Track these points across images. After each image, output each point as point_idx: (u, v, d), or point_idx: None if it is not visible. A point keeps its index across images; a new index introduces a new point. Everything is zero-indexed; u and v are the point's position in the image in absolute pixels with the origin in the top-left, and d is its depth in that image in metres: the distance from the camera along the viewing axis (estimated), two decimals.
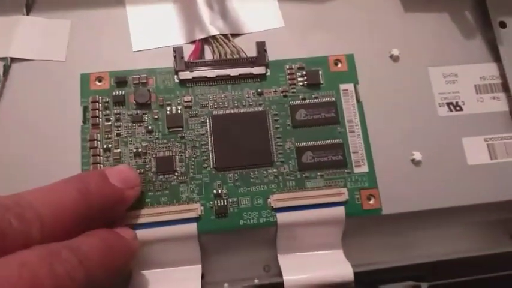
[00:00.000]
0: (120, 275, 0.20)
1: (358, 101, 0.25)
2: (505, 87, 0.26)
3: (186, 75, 0.24)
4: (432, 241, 0.24)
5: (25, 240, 0.16)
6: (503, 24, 0.27)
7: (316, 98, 0.25)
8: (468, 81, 0.26)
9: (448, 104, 0.26)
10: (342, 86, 0.25)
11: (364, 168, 0.23)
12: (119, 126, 0.23)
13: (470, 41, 0.27)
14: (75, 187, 0.18)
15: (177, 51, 0.25)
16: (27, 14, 0.26)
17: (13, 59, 0.25)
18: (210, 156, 0.23)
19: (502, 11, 0.27)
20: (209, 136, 0.24)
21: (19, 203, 0.16)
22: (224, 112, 0.24)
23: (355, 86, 0.25)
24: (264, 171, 0.23)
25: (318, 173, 0.23)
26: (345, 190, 0.23)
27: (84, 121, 0.23)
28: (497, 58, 0.27)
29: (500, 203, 0.24)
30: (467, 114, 0.25)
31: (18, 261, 0.14)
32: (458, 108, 0.26)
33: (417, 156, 0.24)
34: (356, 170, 0.23)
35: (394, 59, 0.26)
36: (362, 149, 0.24)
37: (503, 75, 0.26)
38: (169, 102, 0.24)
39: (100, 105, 0.24)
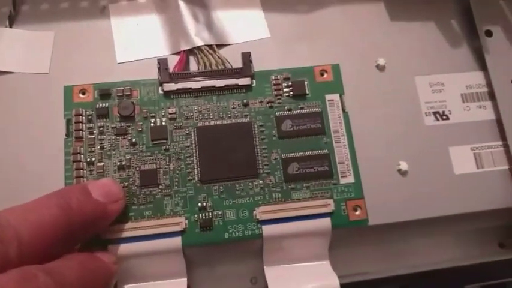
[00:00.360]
0: None
1: (343, 111, 0.24)
2: (491, 95, 0.26)
3: (171, 86, 0.24)
4: (420, 251, 0.24)
5: (1, 261, 0.15)
6: (489, 33, 0.27)
7: (302, 108, 0.24)
8: (455, 90, 0.26)
9: (435, 113, 0.25)
10: (328, 97, 0.25)
11: (350, 179, 0.23)
12: (103, 139, 0.23)
13: (457, 50, 0.27)
14: (56, 203, 0.18)
15: (162, 62, 0.24)
16: (10, 26, 0.26)
17: None
18: (195, 168, 0.23)
19: (488, 19, 0.27)
20: (194, 148, 0.23)
21: None
22: (209, 123, 0.24)
23: (340, 96, 0.25)
24: (250, 183, 0.23)
25: (304, 184, 0.23)
26: (331, 201, 0.23)
27: (68, 134, 0.23)
28: (483, 67, 0.27)
29: (488, 211, 0.24)
30: (453, 123, 0.25)
31: None
32: (444, 117, 0.25)
33: (403, 166, 0.24)
34: (342, 181, 0.23)
35: (380, 68, 0.26)
36: (348, 159, 0.24)
37: (489, 84, 0.26)
38: (153, 114, 0.24)
39: (83, 118, 0.23)
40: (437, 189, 0.24)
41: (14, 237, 0.16)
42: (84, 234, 0.19)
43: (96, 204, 0.20)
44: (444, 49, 0.27)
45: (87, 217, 0.19)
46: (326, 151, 0.24)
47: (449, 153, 0.25)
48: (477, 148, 0.25)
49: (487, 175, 0.24)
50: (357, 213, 0.23)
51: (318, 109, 0.24)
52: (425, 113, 0.25)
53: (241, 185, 0.23)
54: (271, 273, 0.22)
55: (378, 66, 0.26)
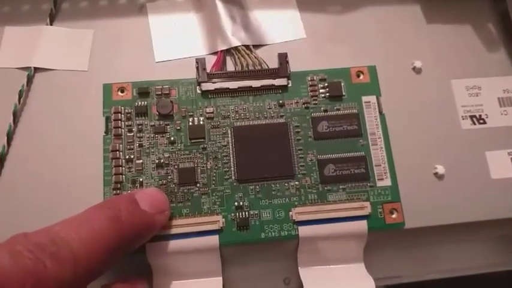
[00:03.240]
0: None
1: (380, 113, 0.24)
2: None
3: (208, 86, 0.24)
4: (456, 255, 0.24)
5: (57, 284, 0.15)
6: None
7: (338, 109, 0.24)
8: (492, 94, 0.26)
9: (471, 117, 0.25)
10: (365, 98, 0.25)
11: (387, 182, 0.23)
12: (142, 137, 0.23)
13: (494, 53, 0.27)
14: (107, 216, 0.18)
15: (200, 62, 0.25)
16: (51, 24, 0.26)
17: (36, 69, 0.25)
18: (232, 167, 0.23)
19: None
20: (230, 147, 0.23)
21: (54, 240, 0.16)
22: (245, 123, 0.24)
23: (377, 98, 0.25)
24: (286, 184, 0.23)
25: (340, 186, 0.23)
26: (367, 204, 0.22)
27: (107, 131, 0.23)
28: None
29: None
30: (490, 127, 0.25)
31: None
32: (481, 121, 0.25)
33: (440, 169, 0.24)
34: (379, 184, 0.23)
35: (417, 71, 0.26)
36: (385, 162, 0.23)
37: None
38: (191, 113, 0.24)
39: (122, 115, 0.24)
40: (474, 194, 0.24)
41: (70, 257, 0.16)
42: (131, 246, 0.19)
43: (144, 216, 0.20)
44: (481, 52, 0.27)
45: (136, 229, 0.19)
46: (363, 153, 0.24)
47: (486, 158, 0.24)
48: None
49: None
50: (394, 216, 0.23)
51: (355, 111, 0.24)
52: (462, 116, 0.25)
53: (277, 185, 0.23)
54: (306, 274, 0.22)
55: (414, 69, 0.26)
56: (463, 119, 0.25)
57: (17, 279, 0.15)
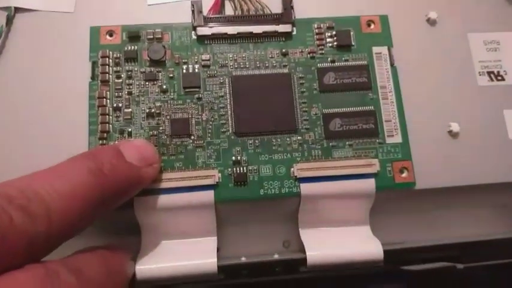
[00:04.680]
0: None
1: (392, 65, 0.22)
2: None
3: (205, 31, 0.22)
4: (468, 220, 0.22)
5: (28, 242, 0.13)
6: None
7: (346, 60, 0.22)
8: (511, 49, 0.24)
9: (489, 73, 0.23)
10: (375, 49, 0.23)
11: (398, 139, 0.21)
12: (131, 84, 0.21)
13: None
14: (87, 168, 0.16)
15: (196, 5, 0.22)
16: None
17: (17, 9, 0.23)
18: (229, 120, 0.21)
19: None
20: (228, 98, 0.22)
21: (25, 191, 0.14)
22: (245, 73, 0.22)
23: (389, 49, 0.23)
24: (288, 139, 0.21)
25: (347, 142, 0.21)
26: (376, 161, 0.21)
27: (93, 77, 0.21)
28: None
29: None
30: (509, 84, 0.23)
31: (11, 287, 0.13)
32: (499, 78, 0.23)
33: (454, 127, 0.22)
34: (388, 140, 0.21)
35: (431, 22, 0.24)
36: (395, 117, 0.22)
37: None
38: (185, 60, 0.22)
39: (110, 60, 0.22)
40: (490, 154, 0.22)
41: (43, 212, 0.14)
42: (115, 202, 0.17)
43: (130, 169, 0.18)
44: (501, 5, 0.25)
45: (121, 183, 0.17)
46: (372, 108, 0.22)
47: (504, 116, 0.23)
48: None
49: None
50: (404, 175, 0.21)
51: (365, 62, 0.22)
52: (479, 72, 0.23)
53: (278, 140, 0.21)
54: (307, 236, 0.21)
55: (428, 20, 0.24)
56: (480, 75, 0.23)
57: None
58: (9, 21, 0.23)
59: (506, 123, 0.23)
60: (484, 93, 0.23)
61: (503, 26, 0.24)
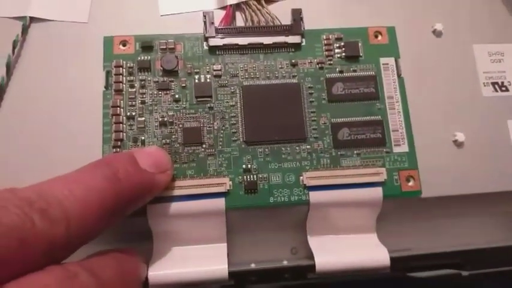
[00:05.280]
0: None
1: (399, 76, 0.23)
2: None
3: (216, 41, 0.23)
4: (473, 228, 0.23)
5: (48, 246, 0.14)
6: None
7: (354, 71, 0.23)
8: None
9: (493, 83, 0.24)
10: (383, 60, 0.23)
11: (404, 148, 0.22)
12: (144, 94, 0.22)
13: None
14: (103, 174, 0.16)
15: (207, 16, 0.23)
16: None
17: (32, 19, 0.23)
18: (240, 128, 0.22)
19: None
20: (239, 108, 0.22)
21: (43, 196, 0.14)
22: (255, 83, 0.23)
23: (396, 60, 0.23)
24: (297, 147, 0.22)
25: (355, 151, 0.22)
26: (383, 170, 0.21)
27: (107, 86, 0.22)
28: None
29: None
30: None
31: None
32: (504, 88, 0.24)
33: (460, 137, 0.22)
34: (395, 150, 0.22)
35: (437, 34, 0.24)
36: (402, 127, 0.22)
37: None
38: (197, 70, 0.22)
39: (124, 70, 0.22)
40: (494, 163, 0.22)
41: (62, 216, 0.14)
42: (129, 208, 0.18)
43: (144, 175, 0.18)
44: (505, 17, 0.25)
45: (135, 189, 0.17)
46: (379, 117, 0.22)
47: (508, 126, 0.23)
48: None
49: None
50: (410, 184, 0.21)
51: (372, 73, 0.23)
52: (484, 83, 0.24)
53: (288, 148, 0.22)
54: (316, 243, 0.21)
55: (434, 32, 0.24)
56: (485, 85, 0.24)
57: (2, 237, 0.13)
58: (25, 30, 0.23)
59: (510, 133, 0.23)
60: (489, 103, 0.24)
61: (507, 37, 0.25)
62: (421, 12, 0.25)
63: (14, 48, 0.22)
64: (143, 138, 0.21)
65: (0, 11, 0.23)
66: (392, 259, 0.20)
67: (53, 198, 0.15)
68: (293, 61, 0.23)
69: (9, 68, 0.22)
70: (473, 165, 0.22)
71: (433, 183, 0.22)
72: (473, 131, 0.23)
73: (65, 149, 0.21)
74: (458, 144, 0.23)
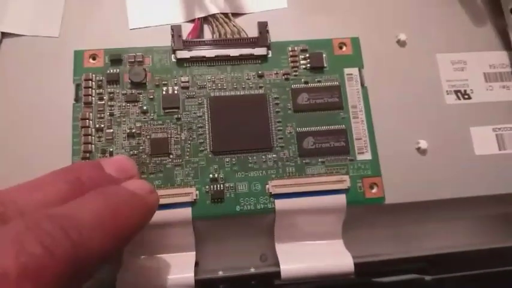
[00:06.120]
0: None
1: (362, 85, 0.24)
2: None
3: (184, 54, 0.23)
4: (436, 233, 0.23)
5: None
6: None
7: (319, 81, 0.24)
8: (477, 69, 0.25)
9: (456, 91, 0.25)
10: (347, 70, 0.24)
11: (368, 156, 0.22)
12: (113, 106, 0.22)
13: (481, 28, 0.26)
14: (65, 179, 0.16)
15: (175, 29, 0.24)
16: None
17: (4, 34, 0.24)
18: (207, 139, 0.22)
19: None
20: (206, 118, 0.23)
21: (3, 202, 0.14)
22: (222, 94, 0.23)
23: (360, 70, 0.24)
24: (263, 156, 0.22)
25: (319, 160, 0.22)
26: (346, 177, 0.22)
27: (77, 99, 0.22)
28: (507, 46, 0.26)
29: (509, 195, 0.23)
30: (475, 102, 0.24)
31: None
32: (466, 96, 0.25)
33: (423, 144, 0.23)
34: (359, 157, 0.22)
35: (401, 44, 0.25)
36: (366, 135, 0.23)
37: None
38: (165, 82, 0.23)
39: (93, 83, 0.23)
40: (457, 170, 0.23)
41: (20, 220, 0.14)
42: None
43: (109, 180, 0.18)
44: (468, 26, 0.26)
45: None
46: (343, 126, 0.23)
47: (471, 134, 0.24)
48: (499, 129, 0.24)
49: (509, 157, 0.23)
50: (374, 191, 0.22)
51: (336, 83, 0.23)
52: (447, 91, 0.25)
53: (254, 157, 0.22)
54: (282, 250, 0.22)
55: (398, 42, 0.25)
56: (448, 93, 0.24)
57: None
58: None
59: (473, 140, 0.24)
60: (452, 111, 0.24)
61: (470, 46, 0.26)
62: (385, 23, 0.26)
63: None
64: (111, 149, 0.22)
65: None
66: (356, 265, 0.21)
67: (12, 204, 0.14)
68: (260, 72, 0.23)
69: None
70: (436, 171, 0.23)
71: (396, 189, 0.22)
72: (437, 139, 0.23)
73: (36, 160, 0.22)
74: (421, 151, 0.23)
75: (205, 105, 0.23)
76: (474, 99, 0.25)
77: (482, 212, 0.24)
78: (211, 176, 0.22)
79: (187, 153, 0.22)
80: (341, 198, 0.21)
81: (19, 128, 0.22)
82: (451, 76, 0.25)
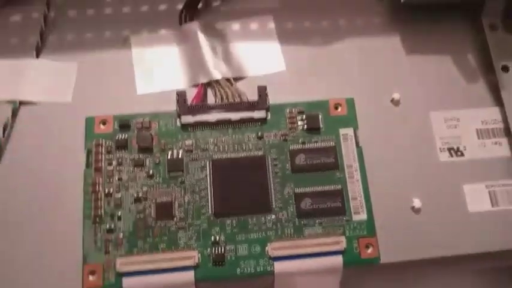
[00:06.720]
0: None
1: (357, 145, 0.25)
2: (507, 132, 0.26)
3: (188, 119, 0.25)
4: None
5: None
6: (506, 68, 0.27)
7: (316, 142, 0.25)
8: (470, 125, 0.26)
9: (449, 149, 0.25)
10: (342, 131, 0.25)
11: (363, 216, 0.23)
12: (121, 171, 0.24)
13: (473, 85, 0.27)
14: None
15: (180, 95, 0.25)
16: (37, 57, 0.27)
17: (22, 102, 0.26)
18: (209, 201, 0.23)
19: (505, 54, 0.27)
20: (208, 181, 0.24)
21: None
22: (224, 156, 0.24)
23: (354, 131, 0.25)
24: (263, 218, 0.23)
25: (317, 220, 0.23)
26: (343, 238, 0.23)
27: (88, 165, 0.24)
28: (499, 102, 0.26)
29: (503, 252, 0.23)
30: (468, 159, 0.25)
31: None
32: (459, 153, 0.25)
33: (417, 203, 0.24)
34: (355, 218, 0.23)
35: (395, 103, 0.26)
36: (361, 195, 0.24)
37: (505, 120, 0.26)
38: (170, 146, 0.24)
39: (103, 149, 0.24)
40: (451, 227, 0.24)
41: None
42: None
43: None
44: (460, 84, 0.27)
45: None
46: (339, 186, 0.24)
47: (464, 191, 0.25)
48: (492, 186, 0.25)
49: (503, 213, 0.24)
50: (369, 251, 0.23)
51: (332, 143, 0.25)
52: (440, 148, 0.25)
53: (254, 219, 0.23)
54: None
55: (392, 101, 0.26)
56: (441, 151, 0.25)
57: None
58: (14, 113, 0.25)
59: (466, 197, 0.24)
60: (445, 168, 0.25)
61: (462, 103, 0.26)
62: (380, 83, 0.27)
63: (4, 130, 0.25)
64: (119, 213, 0.23)
65: None
66: None
67: None
68: (259, 134, 0.25)
69: (1, 149, 0.24)
70: (431, 230, 0.24)
71: (391, 249, 0.23)
72: (430, 197, 0.24)
73: (47, 223, 0.23)
74: (415, 210, 0.24)
75: (207, 168, 0.24)
76: (467, 156, 0.25)
77: (478, 267, 0.24)
78: (212, 238, 0.23)
79: (190, 216, 0.23)
80: (337, 260, 0.22)
81: (33, 193, 0.24)
82: (445, 133, 0.26)
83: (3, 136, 0.25)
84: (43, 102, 0.26)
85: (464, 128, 0.26)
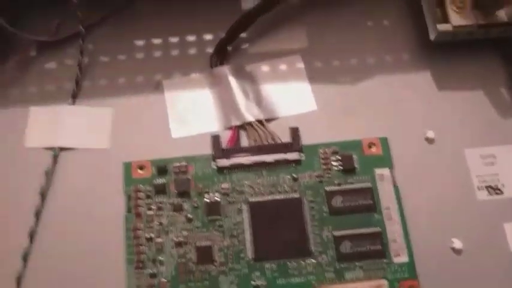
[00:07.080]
0: None
1: (394, 185, 0.25)
2: None
3: (224, 162, 0.25)
4: None
5: None
6: None
7: (351, 183, 0.25)
8: (507, 162, 0.26)
9: (487, 187, 0.25)
10: (377, 171, 0.25)
11: (404, 258, 0.23)
12: (161, 215, 0.24)
13: (507, 120, 0.27)
14: None
15: (214, 139, 0.26)
16: (73, 103, 0.28)
17: (62, 148, 0.26)
18: (247, 245, 0.23)
19: None
20: (245, 224, 0.24)
21: None
22: (260, 199, 0.25)
23: (390, 171, 0.25)
24: (302, 262, 0.23)
25: (357, 264, 0.23)
26: (384, 282, 0.22)
27: (128, 210, 0.24)
28: None
29: None
30: (507, 197, 0.25)
31: None
32: (498, 191, 0.25)
33: (457, 244, 0.24)
34: (395, 260, 0.23)
35: (429, 141, 0.26)
36: (401, 237, 0.23)
37: None
38: (207, 189, 0.25)
39: (142, 194, 0.25)
40: (493, 268, 0.23)
41: None
42: None
43: None
44: (494, 119, 0.27)
45: None
46: (378, 229, 0.24)
47: (505, 230, 0.24)
48: None
49: None
50: None
51: (369, 184, 0.25)
52: (478, 187, 0.25)
53: (294, 263, 0.23)
54: None
55: (427, 139, 0.26)
56: (479, 189, 0.25)
57: None
58: (55, 160, 0.26)
59: (508, 236, 0.24)
60: (484, 207, 0.25)
61: (498, 139, 0.26)
62: (413, 121, 0.27)
63: (47, 178, 0.25)
64: (161, 258, 0.23)
65: (34, 142, 0.27)
66: None
67: None
68: (294, 175, 0.25)
69: (44, 196, 0.25)
70: (472, 271, 0.23)
71: None
72: (471, 237, 0.24)
73: (92, 270, 0.24)
74: (456, 251, 0.24)
75: (244, 211, 0.24)
76: (506, 193, 0.25)
77: None
78: (253, 283, 0.23)
79: (230, 260, 0.23)
80: None
81: (73, 238, 0.24)
82: (481, 171, 0.26)
83: (45, 183, 0.25)
84: (81, 148, 0.26)
85: (501, 165, 0.26)
